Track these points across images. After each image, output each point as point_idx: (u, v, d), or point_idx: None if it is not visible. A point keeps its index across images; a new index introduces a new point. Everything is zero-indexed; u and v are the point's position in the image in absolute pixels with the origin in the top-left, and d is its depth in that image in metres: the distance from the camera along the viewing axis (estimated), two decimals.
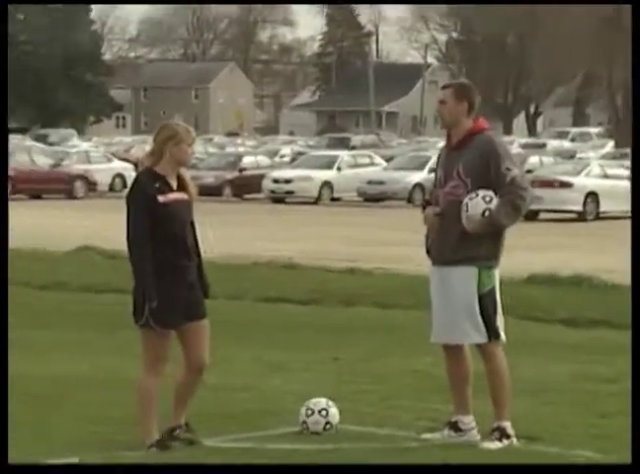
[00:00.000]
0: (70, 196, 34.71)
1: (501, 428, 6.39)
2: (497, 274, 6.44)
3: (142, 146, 51.31)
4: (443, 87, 6.55)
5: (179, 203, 6.21)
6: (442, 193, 6.45)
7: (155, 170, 6.22)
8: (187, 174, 6.34)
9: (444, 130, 6.56)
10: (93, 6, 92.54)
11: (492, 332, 6.39)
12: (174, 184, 6.24)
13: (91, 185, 35.43)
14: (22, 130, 72.65)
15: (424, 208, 6.56)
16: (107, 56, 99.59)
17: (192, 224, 6.34)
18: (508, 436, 6.39)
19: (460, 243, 6.34)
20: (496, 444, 6.34)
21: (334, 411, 6.69)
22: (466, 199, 6.31)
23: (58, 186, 34.86)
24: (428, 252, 6.56)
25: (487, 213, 6.28)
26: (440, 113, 6.50)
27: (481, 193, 6.32)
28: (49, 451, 6.08)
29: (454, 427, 6.50)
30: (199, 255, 6.35)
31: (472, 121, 6.46)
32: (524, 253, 19.14)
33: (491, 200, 6.29)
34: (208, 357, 6.34)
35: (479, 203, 6.30)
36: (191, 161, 6.36)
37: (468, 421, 6.50)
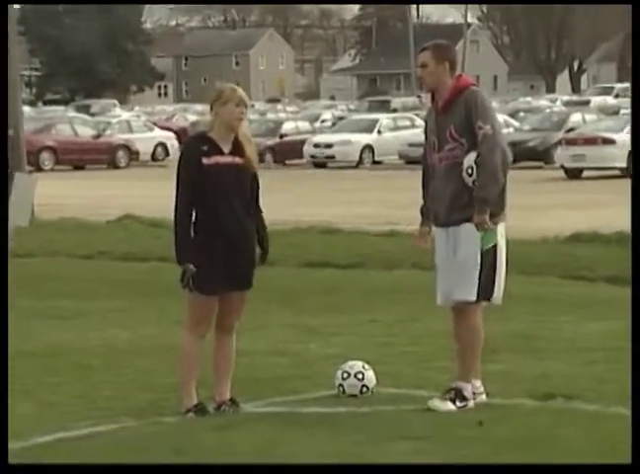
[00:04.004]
0: (113, 165, 34.90)
1: (458, 389, 6.28)
2: (502, 229, 6.35)
3: (184, 115, 51.52)
4: (422, 50, 6.47)
5: (227, 167, 6.14)
6: (438, 157, 6.38)
7: (207, 134, 6.20)
8: (247, 140, 6.20)
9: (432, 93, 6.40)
10: None
11: (483, 291, 6.28)
12: (226, 148, 6.17)
13: (133, 154, 35.58)
14: (64, 101, 72.99)
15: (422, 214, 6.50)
16: (147, 25, 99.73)
17: (252, 190, 6.22)
18: (463, 399, 6.26)
19: (468, 203, 6.26)
20: (447, 406, 6.22)
21: (370, 374, 6.69)
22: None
23: (101, 156, 35.04)
24: (424, 214, 6.49)
25: (476, 185, 6.24)
26: (421, 76, 6.44)
27: (465, 164, 6.27)
28: (95, 418, 6.15)
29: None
30: (259, 220, 6.27)
31: (455, 80, 6.38)
32: (568, 211, 19.00)
33: (472, 172, 6.25)
34: (238, 323, 6.36)
35: (466, 179, 6.29)
36: (240, 122, 6.14)
37: (479, 384, 6.40)
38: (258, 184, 6.36)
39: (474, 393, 6.36)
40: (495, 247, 6.31)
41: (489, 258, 6.29)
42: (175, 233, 6.19)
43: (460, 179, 6.29)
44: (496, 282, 6.33)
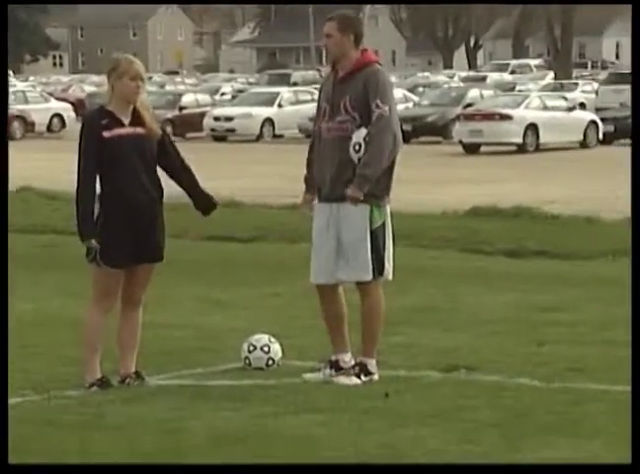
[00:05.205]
0: (8, 137, 34.21)
1: (363, 364, 6.36)
2: (388, 209, 6.41)
3: (81, 86, 50.75)
4: (328, 19, 6.42)
5: (128, 138, 6.10)
6: (327, 127, 6.35)
7: (105, 107, 6.17)
8: (146, 108, 6.18)
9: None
10: None
11: (377, 269, 6.34)
12: (125, 120, 6.14)
13: (29, 125, 34.96)
14: None
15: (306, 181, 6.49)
16: None
17: (169, 155, 6.21)
18: (368, 373, 6.34)
19: (352, 178, 6.25)
20: (353, 380, 6.30)
21: (276, 347, 6.72)
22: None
23: None
24: (307, 183, 6.49)
25: (360, 162, 6.24)
26: (326, 46, 6.39)
27: (354, 139, 6.26)
28: None
29: (335, 366, 6.45)
30: (191, 177, 6.30)
31: (360, 53, 6.37)
32: (466, 186, 19.25)
33: (359, 149, 6.25)
34: (144, 296, 6.34)
35: (352, 155, 6.27)
36: (136, 96, 6.12)
37: (348, 358, 6.46)
38: (173, 145, 6.35)
39: (342, 368, 6.42)
40: (383, 225, 6.36)
41: (379, 236, 6.34)
42: (77, 209, 6.13)
43: (347, 152, 6.28)
44: (386, 259, 6.39)
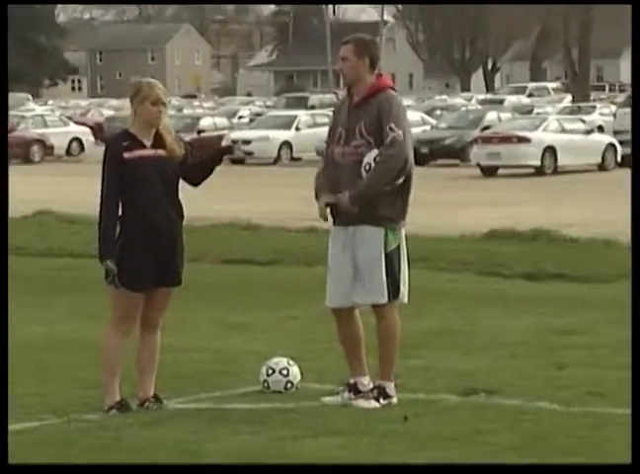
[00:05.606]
0: (27, 160, 34.43)
1: (381, 387, 6.35)
2: (403, 233, 6.42)
3: (99, 110, 51.01)
4: (344, 43, 6.42)
5: (149, 159, 6.16)
6: (342, 152, 6.35)
7: (129, 130, 6.24)
8: (168, 132, 6.22)
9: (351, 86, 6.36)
10: None
11: (392, 292, 6.34)
12: (147, 142, 6.19)
13: (48, 149, 35.17)
14: None
15: (317, 196, 6.46)
16: (61, 18, 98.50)
17: (190, 170, 6.26)
18: (387, 396, 6.33)
19: (369, 202, 6.27)
20: (371, 403, 6.28)
21: (295, 370, 6.71)
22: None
23: (14, 150, 34.43)
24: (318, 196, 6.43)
25: (367, 177, 6.26)
26: (341, 70, 6.40)
27: (365, 160, 6.29)
28: (16, 415, 6.05)
29: (354, 389, 6.43)
30: (199, 166, 6.32)
31: (375, 78, 6.38)
32: (484, 208, 19.23)
33: (369, 169, 6.27)
34: (162, 319, 6.36)
35: (363, 174, 6.29)
36: (158, 120, 6.17)
37: (367, 382, 6.44)
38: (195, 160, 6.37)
39: (360, 391, 6.41)
40: (398, 248, 6.38)
41: (394, 259, 6.35)
42: (98, 230, 6.19)
43: (360, 174, 6.30)
44: (401, 282, 6.40)
